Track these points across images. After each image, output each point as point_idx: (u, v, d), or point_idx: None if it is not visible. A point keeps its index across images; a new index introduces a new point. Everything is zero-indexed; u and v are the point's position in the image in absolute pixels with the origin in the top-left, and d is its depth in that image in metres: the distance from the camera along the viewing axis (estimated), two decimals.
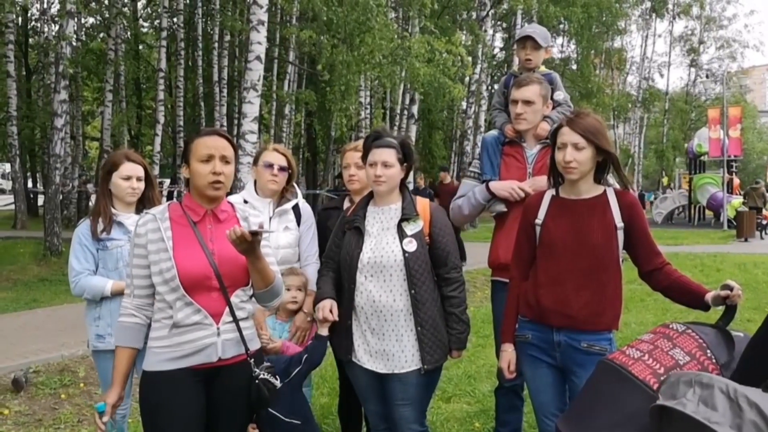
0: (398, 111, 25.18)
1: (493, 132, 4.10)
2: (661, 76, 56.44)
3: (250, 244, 2.60)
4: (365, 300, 3.31)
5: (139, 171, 3.72)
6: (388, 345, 3.30)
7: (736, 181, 30.76)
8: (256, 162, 4.00)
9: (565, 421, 2.69)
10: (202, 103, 25.44)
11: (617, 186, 3.44)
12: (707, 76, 43.39)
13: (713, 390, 1.86)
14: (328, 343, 3.50)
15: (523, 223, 3.31)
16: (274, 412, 3.33)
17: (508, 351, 3.31)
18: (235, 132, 18.66)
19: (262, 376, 2.78)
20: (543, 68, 4.14)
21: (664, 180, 47.00)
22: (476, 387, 5.75)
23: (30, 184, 30.84)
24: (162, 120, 21.49)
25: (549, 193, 3.26)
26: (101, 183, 3.77)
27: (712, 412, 1.81)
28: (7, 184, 37.23)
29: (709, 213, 30.69)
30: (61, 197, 15.91)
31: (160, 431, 2.68)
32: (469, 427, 4.95)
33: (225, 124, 23.91)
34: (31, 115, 25.12)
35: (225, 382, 2.77)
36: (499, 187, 3.84)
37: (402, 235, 3.32)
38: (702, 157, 30.89)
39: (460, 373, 5.99)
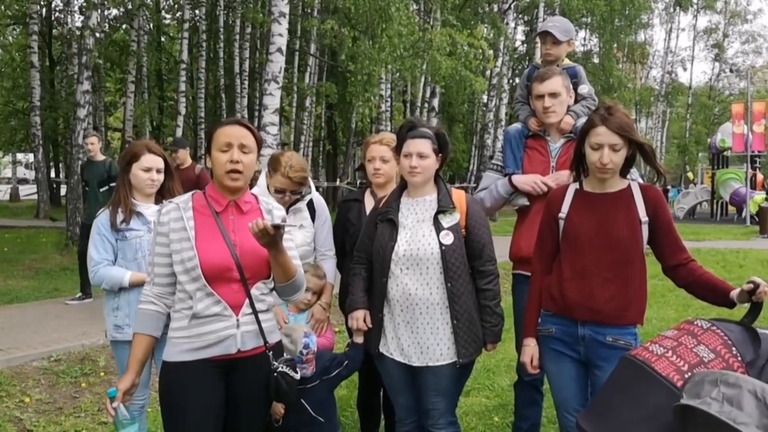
0: (419, 104, 25.10)
1: (517, 125, 4.06)
2: (684, 70, 56.02)
3: (272, 237, 2.58)
4: (400, 293, 3.29)
5: (159, 163, 3.72)
6: (422, 338, 3.28)
7: (760, 176, 30.41)
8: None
9: (586, 417, 2.67)
10: (223, 95, 25.49)
11: (639, 179, 3.42)
12: (731, 71, 42.87)
13: (741, 390, 1.83)
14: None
15: (546, 217, 3.27)
16: (303, 402, 3.36)
17: (531, 345, 3.28)
18: (256, 124, 18.69)
19: (281, 369, 2.77)
20: (567, 61, 4.09)
21: (689, 175, 46.52)
22: (495, 381, 5.73)
23: (53, 174, 31.06)
24: (183, 111, 21.57)
25: (573, 187, 3.22)
26: (121, 173, 3.77)
27: (738, 412, 1.78)
28: (30, 174, 37.57)
29: (731, 209, 30.35)
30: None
31: (179, 421, 2.68)
32: (488, 421, 4.93)
33: (246, 115, 23.95)
34: (54, 106, 25.29)
35: (244, 374, 2.77)
36: (522, 180, 3.82)
37: (438, 227, 3.29)
38: (725, 153, 30.57)
39: (479, 366, 5.94)
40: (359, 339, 3.44)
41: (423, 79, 22.39)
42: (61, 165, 33.24)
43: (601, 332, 3.07)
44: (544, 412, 4.18)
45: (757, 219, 22.80)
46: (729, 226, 24.85)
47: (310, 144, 28.58)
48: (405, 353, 3.32)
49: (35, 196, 24.16)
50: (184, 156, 8.54)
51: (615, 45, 35.46)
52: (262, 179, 3.97)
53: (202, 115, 23.69)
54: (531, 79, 3.94)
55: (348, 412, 4.81)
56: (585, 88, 3.98)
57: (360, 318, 3.37)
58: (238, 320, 2.72)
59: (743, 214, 26.22)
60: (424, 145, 3.29)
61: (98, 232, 3.66)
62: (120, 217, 3.65)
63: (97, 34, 13.48)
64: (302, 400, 3.37)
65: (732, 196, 28.34)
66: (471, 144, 32.14)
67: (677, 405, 1.98)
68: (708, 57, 50.76)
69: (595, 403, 2.76)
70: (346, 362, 3.50)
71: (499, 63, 25.35)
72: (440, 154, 3.35)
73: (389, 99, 23.97)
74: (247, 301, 2.73)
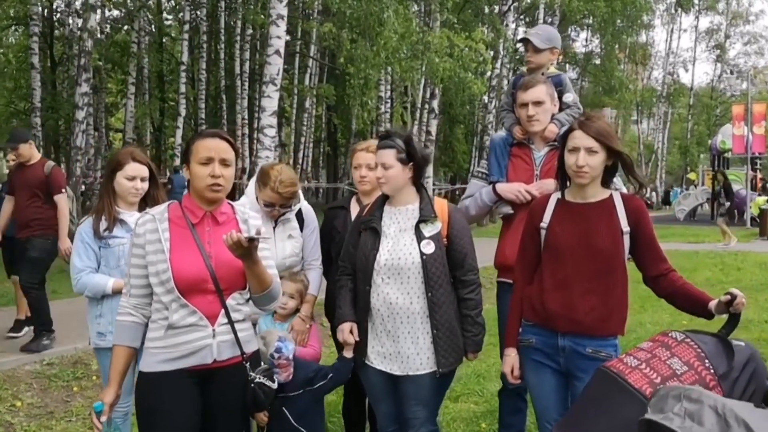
0: (419, 105, 25.12)
1: (502, 133, 4.07)
2: (686, 71, 55.97)
3: (246, 249, 2.59)
4: (381, 302, 3.29)
5: (144, 171, 3.73)
6: (403, 347, 3.29)
7: (760, 176, 30.36)
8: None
9: (561, 428, 2.68)
10: (224, 96, 25.56)
11: (623, 190, 3.42)
12: (731, 72, 42.81)
13: (702, 405, 1.84)
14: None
15: (528, 227, 3.28)
16: (285, 411, 3.36)
17: (511, 356, 3.29)
18: (255, 126, 18.70)
19: (258, 379, 2.78)
20: (552, 69, 4.09)
21: (692, 176, 46.48)
22: (485, 386, 5.72)
23: None
24: (183, 113, 21.64)
25: (554, 197, 3.22)
26: (105, 181, 3.79)
27: (699, 428, 1.79)
28: None
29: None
30: (83, 188, 16.05)
31: (155, 431, 2.70)
32: (475, 427, 4.93)
33: (246, 117, 24.02)
34: (55, 107, 25.35)
35: (221, 384, 2.78)
36: (506, 189, 3.82)
37: (420, 236, 3.29)
38: (726, 154, 30.53)
39: (469, 372, 5.96)
40: (348, 353, 3.42)
41: (423, 81, 22.40)
42: (62, 165, 33.29)
43: (581, 343, 3.07)
44: (529, 419, 4.18)
45: (758, 221, 22.76)
46: (729, 228, 24.78)
47: (311, 145, 28.63)
48: (386, 362, 3.33)
49: None
50: (28, 152, 6.76)
51: (617, 46, 35.43)
52: (251, 188, 3.97)
53: (203, 116, 23.73)
54: (516, 86, 3.95)
55: (335, 418, 4.82)
56: (570, 97, 3.98)
57: (346, 330, 3.36)
58: (214, 330, 2.73)
59: (744, 216, 26.18)
60: (387, 156, 3.29)
61: (81, 240, 3.68)
62: (103, 224, 3.66)
63: (98, 35, 13.57)
64: (284, 409, 3.37)
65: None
66: (471, 145, 32.14)
67: (641, 419, 2.00)
68: (710, 58, 50.80)
69: (570, 414, 2.78)
70: (330, 375, 3.49)
71: (498, 65, 25.37)
72: (410, 162, 3.32)
73: (390, 100, 23.99)
74: (222, 311, 2.74)
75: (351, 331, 3.36)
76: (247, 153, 22.76)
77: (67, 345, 6.82)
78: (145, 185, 3.75)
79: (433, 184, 24.72)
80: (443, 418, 5.00)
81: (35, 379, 6.12)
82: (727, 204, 19.18)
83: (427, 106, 23.61)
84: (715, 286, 11.10)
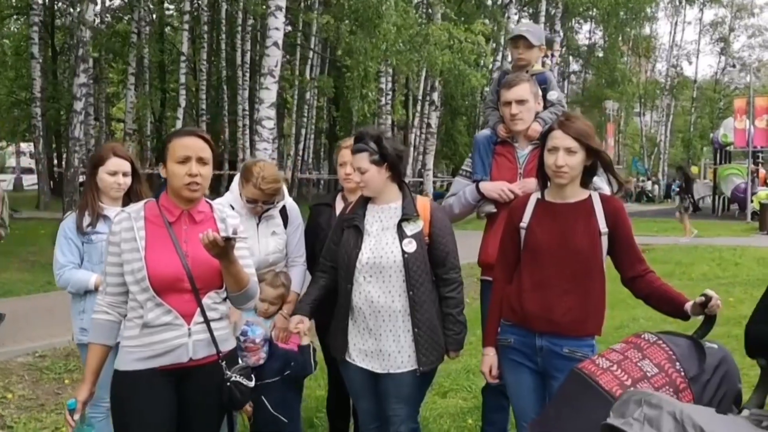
0: (420, 98, 25.09)
1: (486, 131, 4.05)
2: (690, 63, 55.80)
3: (222, 248, 2.60)
4: (363, 300, 3.31)
5: (126, 166, 3.73)
6: (384, 345, 3.30)
7: (763, 172, 30.21)
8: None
9: (535, 427, 2.70)
10: (225, 87, 25.54)
11: (606, 190, 3.42)
12: (734, 66, 42.68)
13: (662, 411, 1.85)
14: (316, 349, 3.55)
15: (508, 227, 3.28)
16: (264, 399, 3.39)
17: (490, 355, 3.30)
18: (256, 117, 18.72)
19: (234, 378, 2.80)
20: (537, 67, 4.08)
21: (694, 169, 46.37)
22: (474, 382, 5.72)
23: (56, 165, 31.16)
24: (183, 103, 21.62)
25: (534, 197, 3.22)
26: (88, 177, 3.80)
27: None
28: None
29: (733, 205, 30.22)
30: (81, 179, 16.06)
31: (131, 430, 2.71)
32: (462, 423, 4.95)
33: (247, 108, 23.99)
34: (56, 96, 25.37)
35: (197, 383, 2.79)
36: (489, 187, 3.82)
37: (402, 235, 3.29)
38: (728, 148, 30.43)
39: (459, 367, 5.96)
40: (304, 341, 3.49)
41: (424, 73, 22.37)
42: (64, 155, 33.34)
43: (558, 344, 3.07)
44: (513, 416, 4.19)
45: (758, 215, 22.70)
46: (730, 222, 24.76)
47: (312, 137, 28.61)
48: (368, 360, 3.35)
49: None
50: None
51: (620, 38, 35.30)
52: (235, 185, 3.98)
53: (204, 107, 23.72)
54: (500, 84, 3.94)
55: (323, 413, 4.83)
56: (554, 95, 3.97)
57: (294, 322, 3.39)
58: (189, 329, 2.74)
59: (746, 210, 26.10)
60: (361, 160, 3.29)
61: (64, 236, 3.70)
62: (86, 220, 3.67)
63: (99, 24, 13.54)
64: (262, 397, 3.41)
65: (734, 192, 28.20)
66: (472, 137, 32.10)
67: (603, 424, 2.01)
68: (714, 51, 50.63)
69: (544, 414, 2.80)
70: (293, 363, 3.53)
71: (499, 57, 25.31)
72: (385, 162, 3.30)
73: (391, 92, 23.95)
74: (198, 310, 2.75)
75: (301, 322, 3.39)
76: (247, 144, 22.76)
77: (60, 337, 6.85)
78: (128, 180, 3.76)
79: (434, 176, 24.73)
80: (430, 414, 5.02)
81: (27, 371, 6.17)
82: (687, 198, 18.99)
83: (428, 98, 23.59)
84: (712, 281, 11.11)
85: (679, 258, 13.80)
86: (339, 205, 4.01)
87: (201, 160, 2.76)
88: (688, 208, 18.95)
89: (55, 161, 30.81)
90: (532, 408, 3.17)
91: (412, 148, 28.04)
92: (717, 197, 30.88)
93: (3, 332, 7.01)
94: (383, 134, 3.36)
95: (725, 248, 15.78)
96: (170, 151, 2.77)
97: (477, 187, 3.86)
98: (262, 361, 3.39)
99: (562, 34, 33.01)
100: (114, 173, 3.70)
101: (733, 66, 42.80)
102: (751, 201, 24.90)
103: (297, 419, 3.64)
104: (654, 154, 49.46)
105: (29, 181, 33.23)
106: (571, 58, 42.03)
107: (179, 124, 21.16)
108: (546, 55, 33.38)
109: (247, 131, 23.62)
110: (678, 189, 23.07)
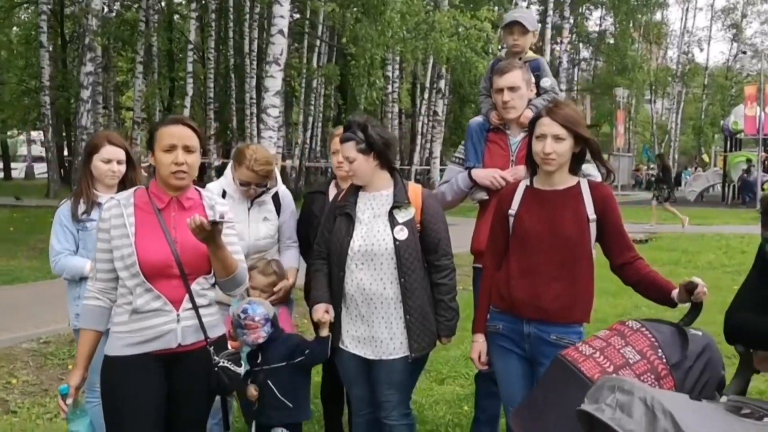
0: (428, 85, 25.00)
1: (478, 118, 4.06)
2: (701, 50, 55.26)
3: (209, 233, 2.63)
4: (355, 287, 3.33)
5: (120, 154, 3.77)
6: (376, 332, 3.33)
7: None
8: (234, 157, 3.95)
9: (517, 415, 2.72)
10: (233, 75, 25.52)
11: (598, 178, 3.41)
12: (744, 53, 42.32)
13: (633, 397, 1.87)
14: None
15: (498, 214, 3.29)
16: (270, 383, 3.42)
17: (479, 342, 3.32)
18: (261, 105, 18.72)
19: (222, 363, 2.83)
20: (530, 54, 4.08)
21: (705, 157, 46.06)
22: (472, 369, 5.68)
23: (66, 153, 31.30)
24: (191, 92, 21.62)
25: (523, 184, 3.23)
26: (83, 165, 3.84)
27: (627, 419, 1.82)
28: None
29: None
30: None
31: (120, 415, 2.75)
32: (457, 410, 4.97)
33: (254, 96, 23.98)
34: (66, 85, 25.45)
35: (186, 369, 2.82)
36: (481, 175, 3.83)
37: (393, 222, 3.31)
38: (738, 135, 30.22)
39: (458, 354, 5.97)
40: (324, 332, 3.44)
41: (431, 61, 22.30)
42: (72, 144, 33.47)
43: (546, 330, 3.09)
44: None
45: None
46: (739, 210, 24.61)
47: (319, 125, 28.59)
48: (360, 346, 3.38)
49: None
50: None
51: (631, 25, 35.05)
52: (228, 170, 4.01)
53: (212, 95, 23.73)
54: (493, 71, 3.94)
55: (317, 399, 4.87)
56: (548, 81, 3.97)
57: (321, 310, 3.38)
58: (178, 315, 2.78)
59: (757, 197, 25.92)
60: (349, 149, 3.31)
61: (59, 223, 3.75)
62: (81, 207, 3.72)
63: (107, 12, 13.56)
64: (269, 381, 3.42)
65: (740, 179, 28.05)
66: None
67: (578, 410, 2.03)
68: (725, 37, 50.28)
69: (527, 400, 2.82)
70: (308, 351, 3.53)
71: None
72: (372, 151, 3.31)
73: (398, 80, 23.88)
74: (187, 296, 2.79)
75: (327, 311, 3.38)
76: (255, 132, 22.76)
77: (64, 324, 6.86)
78: (122, 168, 3.79)
79: (442, 164, 24.65)
80: (426, 400, 5.05)
81: (32, 356, 6.22)
82: (665, 188, 18.68)
83: (435, 85, 23.51)
84: (717, 269, 11.09)
85: (685, 246, 13.76)
86: (332, 193, 4.03)
87: (187, 149, 2.79)
88: (668, 197, 18.64)
89: (65, 150, 30.93)
90: (519, 394, 3.18)
91: (419, 136, 28.01)
92: (727, 185, 30.68)
93: (9, 318, 7.09)
94: (369, 122, 3.37)
95: (732, 236, 15.73)
96: (157, 139, 2.80)
97: (469, 174, 3.87)
98: (261, 340, 3.40)
99: (572, 20, 32.82)
100: (108, 161, 3.74)
101: (744, 52, 42.43)
102: (762, 189, 24.73)
103: (305, 404, 3.65)
104: (665, 142, 49.19)
105: (40, 169, 33.41)
106: (581, 44, 41.83)
107: (187, 113, 21.18)
108: (556, 42, 33.19)
109: (255, 120, 23.63)
110: (655, 177, 22.67)
